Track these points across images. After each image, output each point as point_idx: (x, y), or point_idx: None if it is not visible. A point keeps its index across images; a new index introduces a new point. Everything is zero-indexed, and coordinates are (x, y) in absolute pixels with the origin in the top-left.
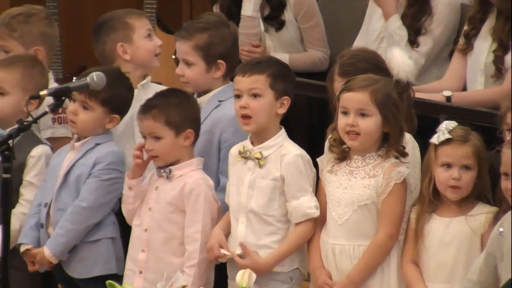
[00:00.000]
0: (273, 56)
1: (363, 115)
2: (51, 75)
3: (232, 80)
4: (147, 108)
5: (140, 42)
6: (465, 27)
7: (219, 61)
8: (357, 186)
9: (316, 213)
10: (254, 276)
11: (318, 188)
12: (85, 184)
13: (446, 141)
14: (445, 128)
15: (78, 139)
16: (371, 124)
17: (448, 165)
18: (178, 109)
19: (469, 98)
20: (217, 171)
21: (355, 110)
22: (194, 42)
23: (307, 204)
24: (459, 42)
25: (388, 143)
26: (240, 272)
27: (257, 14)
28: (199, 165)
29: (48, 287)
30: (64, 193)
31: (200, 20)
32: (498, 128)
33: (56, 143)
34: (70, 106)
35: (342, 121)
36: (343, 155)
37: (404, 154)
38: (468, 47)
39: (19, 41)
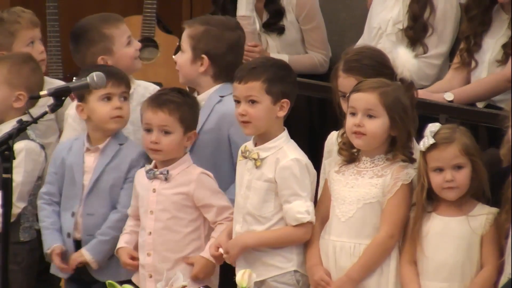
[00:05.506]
0: (270, 58)
1: (370, 116)
2: None
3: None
4: (164, 101)
5: (120, 52)
6: (462, 45)
7: (203, 55)
8: (364, 184)
9: (306, 218)
10: (254, 276)
11: (322, 190)
12: (124, 189)
13: (432, 146)
14: (429, 132)
15: (88, 139)
16: (377, 125)
17: (440, 169)
18: (191, 109)
19: (471, 91)
20: (228, 168)
21: (363, 110)
22: (190, 30)
23: (297, 209)
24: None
25: (395, 147)
26: (240, 272)
27: (251, 13)
28: (190, 160)
29: (47, 284)
30: (95, 199)
31: (209, 16)
32: (499, 128)
33: None
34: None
35: (349, 122)
36: (352, 158)
37: (412, 160)
38: (470, 61)
39: None
